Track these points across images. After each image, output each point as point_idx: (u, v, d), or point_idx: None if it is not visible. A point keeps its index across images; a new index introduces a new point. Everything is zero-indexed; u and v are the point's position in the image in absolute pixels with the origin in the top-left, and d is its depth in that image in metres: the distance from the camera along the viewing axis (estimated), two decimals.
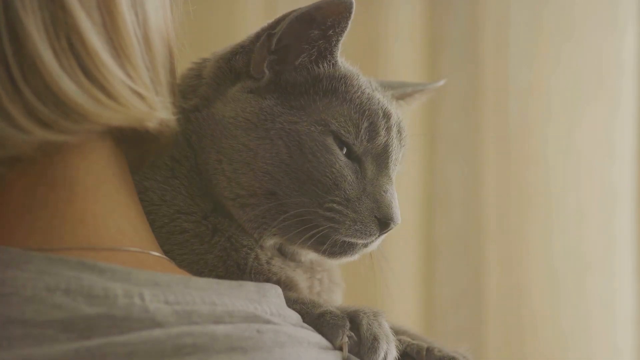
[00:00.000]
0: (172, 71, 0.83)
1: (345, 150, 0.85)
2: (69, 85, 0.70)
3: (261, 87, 0.87)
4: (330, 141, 0.85)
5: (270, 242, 0.88)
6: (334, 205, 0.84)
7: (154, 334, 0.69)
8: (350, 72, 0.89)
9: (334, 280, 0.96)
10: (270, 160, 0.84)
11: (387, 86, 0.95)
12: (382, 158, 0.88)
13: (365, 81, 0.90)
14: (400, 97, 0.97)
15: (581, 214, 1.74)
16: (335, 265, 0.96)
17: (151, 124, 0.76)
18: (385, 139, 0.88)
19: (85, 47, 0.71)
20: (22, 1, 0.68)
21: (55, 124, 0.71)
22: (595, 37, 1.71)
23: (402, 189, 1.79)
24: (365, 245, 0.87)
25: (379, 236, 0.86)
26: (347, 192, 0.84)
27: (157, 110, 0.76)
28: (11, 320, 0.69)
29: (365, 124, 0.86)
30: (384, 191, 0.86)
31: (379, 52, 1.77)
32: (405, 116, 0.96)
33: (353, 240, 0.85)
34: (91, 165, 0.78)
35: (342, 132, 0.85)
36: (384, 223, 0.85)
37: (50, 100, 0.70)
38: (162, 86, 0.79)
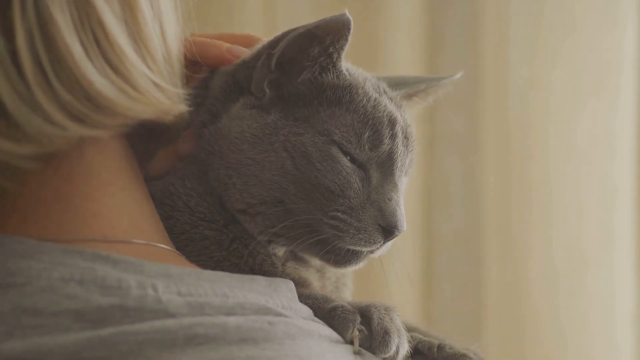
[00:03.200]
0: (183, 63, 0.84)
1: (349, 158, 0.86)
2: (98, 80, 0.70)
3: (264, 103, 0.87)
4: (335, 150, 0.85)
5: (281, 250, 0.89)
6: (338, 214, 0.84)
7: (166, 323, 0.70)
8: (356, 79, 0.89)
9: (343, 282, 0.96)
10: (276, 171, 0.85)
11: (399, 84, 0.95)
12: (386, 165, 0.87)
13: (373, 85, 0.90)
14: (414, 94, 0.97)
15: (581, 211, 1.74)
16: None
17: (172, 117, 0.78)
18: (389, 146, 0.87)
19: (109, 41, 0.71)
20: None
21: (89, 119, 0.71)
22: (595, 33, 1.71)
23: None
24: (371, 252, 0.87)
25: (383, 243, 0.86)
26: (352, 200, 0.84)
27: (176, 102, 0.78)
28: (25, 309, 0.69)
29: (368, 133, 0.86)
30: (389, 199, 0.86)
31: (378, 49, 1.77)
32: (415, 113, 0.96)
33: (357, 248, 0.85)
34: (106, 159, 0.79)
35: (344, 142, 0.85)
36: (388, 231, 0.85)
37: (82, 95, 0.70)
38: (178, 78, 0.81)
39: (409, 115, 0.93)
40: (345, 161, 0.85)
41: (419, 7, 1.79)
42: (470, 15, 1.78)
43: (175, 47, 0.81)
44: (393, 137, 0.87)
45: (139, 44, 0.74)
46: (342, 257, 0.86)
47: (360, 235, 0.84)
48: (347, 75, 0.88)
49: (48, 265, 0.72)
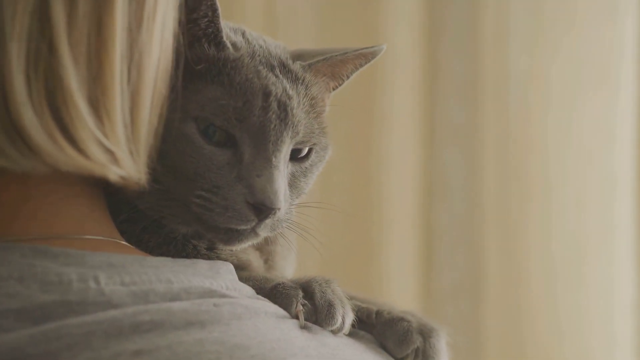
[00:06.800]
0: (156, 132, 0.79)
1: (217, 135, 0.82)
2: (30, 116, 0.68)
3: None
4: (191, 129, 0.81)
5: (182, 230, 0.86)
6: (203, 192, 0.81)
7: (110, 313, 0.69)
8: (237, 53, 0.84)
9: (272, 262, 0.95)
10: None
11: (317, 54, 0.90)
12: (259, 140, 0.82)
13: (263, 59, 0.86)
14: (332, 65, 0.91)
15: (580, 203, 1.73)
16: (285, 245, 0.95)
17: (111, 177, 0.74)
18: (260, 119, 0.82)
19: (62, 87, 0.69)
20: (13, 27, 0.67)
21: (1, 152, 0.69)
22: (595, 25, 1.70)
23: (401, 176, 1.81)
24: (255, 231, 0.84)
25: (259, 222, 0.83)
26: (214, 180, 0.81)
27: (122, 167, 0.73)
28: None
29: (234, 105, 0.82)
30: (258, 175, 0.82)
31: (378, 39, 1.77)
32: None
33: (231, 226, 0.82)
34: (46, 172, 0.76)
35: (208, 115, 0.81)
36: (258, 209, 0.82)
37: (4, 126, 0.68)
38: (140, 144, 0.76)
39: (306, 90, 0.88)
40: (199, 141, 0.81)
41: None
42: (471, 6, 1.78)
43: (147, 113, 0.76)
44: (265, 109, 0.83)
45: (98, 100, 0.71)
46: (225, 235, 0.83)
47: (228, 214, 0.81)
48: (228, 47, 0.84)
49: None
